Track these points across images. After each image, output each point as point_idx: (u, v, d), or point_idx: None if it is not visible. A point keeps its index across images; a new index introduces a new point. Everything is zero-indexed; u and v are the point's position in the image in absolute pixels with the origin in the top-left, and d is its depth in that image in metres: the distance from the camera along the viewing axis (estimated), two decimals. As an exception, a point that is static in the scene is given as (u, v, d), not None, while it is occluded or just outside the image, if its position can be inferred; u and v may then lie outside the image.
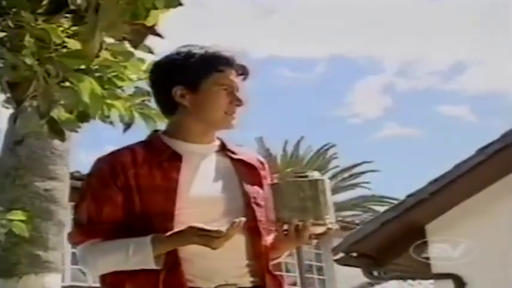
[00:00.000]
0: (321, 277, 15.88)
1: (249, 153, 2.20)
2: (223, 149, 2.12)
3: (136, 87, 3.16)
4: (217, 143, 2.13)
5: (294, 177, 1.96)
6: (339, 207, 21.57)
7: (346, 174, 22.27)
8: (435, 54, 31.92)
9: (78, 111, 2.99)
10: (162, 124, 3.16)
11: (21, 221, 3.96)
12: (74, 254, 12.78)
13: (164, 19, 2.23)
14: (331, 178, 22.12)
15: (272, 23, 30.11)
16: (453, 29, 31.14)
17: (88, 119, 3.12)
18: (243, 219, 1.83)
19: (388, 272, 8.76)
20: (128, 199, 1.94)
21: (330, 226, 1.92)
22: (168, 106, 2.10)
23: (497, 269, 7.51)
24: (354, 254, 8.31)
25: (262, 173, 2.15)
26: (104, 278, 1.97)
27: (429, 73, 33.46)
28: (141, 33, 2.16)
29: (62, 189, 5.20)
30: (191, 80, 2.03)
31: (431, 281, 8.78)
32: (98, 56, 2.38)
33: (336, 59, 35.06)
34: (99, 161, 2.05)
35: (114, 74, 3.03)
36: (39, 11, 2.55)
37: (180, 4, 2.35)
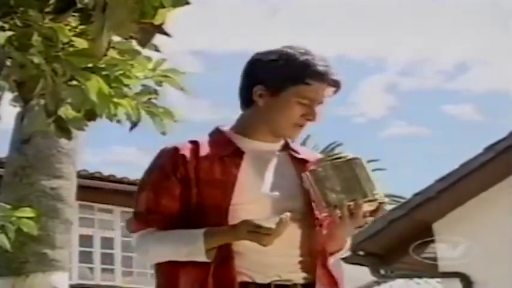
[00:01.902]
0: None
1: (311, 153, 2.21)
2: (286, 147, 2.13)
3: (143, 85, 3.15)
4: (281, 142, 2.14)
5: (329, 160, 1.95)
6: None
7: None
8: (440, 53, 31.86)
9: (85, 109, 2.99)
10: (169, 122, 3.18)
11: (30, 218, 3.97)
12: (81, 252, 12.82)
13: (172, 18, 2.23)
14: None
15: (276, 22, 30.10)
16: (458, 28, 31.04)
17: (95, 117, 3.12)
18: (288, 214, 1.84)
19: (395, 271, 8.76)
20: (186, 191, 1.98)
21: (380, 201, 1.92)
22: (246, 100, 2.10)
23: (504, 267, 7.49)
24: (361, 253, 8.30)
25: None
26: (158, 266, 2.03)
27: (434, 72, 33.40)
28: (149, 32, 2.15)
29: (68, 188, 5.23)
30: (275, 84, 2.02)
31: (439, 279, 8.77)
32: (105, 55, 2.36)
33: (340, 58, 35.06)
34: (162, 152, 2.08)
35: (121, 72, 3.03)
36: (47, 9, 2.55)
37: (188, 3, 2.35)
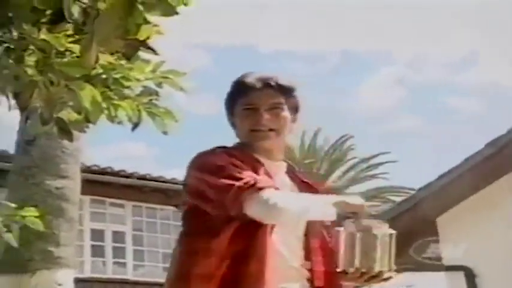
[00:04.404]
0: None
1: (311, 179, 2.39)
2: (289, 171, 2.29)
3: (144, 87, 3.24)
4: (284, 163, 2.29)
5: (365, 226, 2.04)
6: (357, 198, 21.58)
7: (363, 165, 22.24)
8: (448, 46, 31.74)
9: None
10: (170, 122, 3.27)
11: (35, 217, 4.07)
12: (93, 246, 12.98)
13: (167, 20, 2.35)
14: (348, 169, 22.21)
15: (283, 16, 30.07)
16: (464, 21, 30.92)
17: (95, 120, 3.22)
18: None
19: (399, 265, 8.80)
20: None
21: (387, 277, 2.07)
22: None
23: (507, 261, 7.55)
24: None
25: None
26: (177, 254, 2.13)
27: (442, 65, 33.30)
28: (133, 47, 2.27)
29: (73, 187, 5.35)
30: (229, 107, 2.26)
31: (443, 273, 8.82)
32: (94, 68, 2.47)
33: (349, 51, 34.99)
34: (214, 156, 2.14)
35: (120, 75, 3.12)
36: (43, 20, 2.67)
37: (176, 13, 2.47)
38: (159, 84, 3.27)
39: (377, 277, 2.03)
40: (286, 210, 2.00)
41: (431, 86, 32.01)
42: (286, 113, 2.20)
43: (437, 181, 7.99)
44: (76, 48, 2.69)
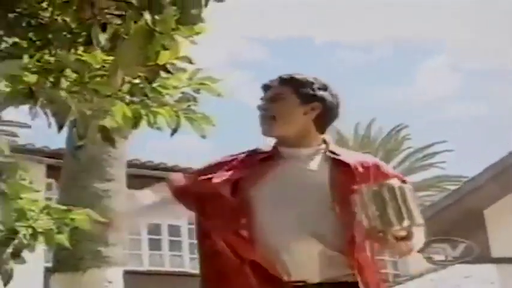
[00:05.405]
0: (392, 258, 15.97)
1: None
2: (328, 156, 2.37)
3: (182, 93, 3.41)
4: (318, 149, 2.37)
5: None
6: (414, 187, 21.38)
7: (419, 155, 22.12)
8: (503, 33, 31.09)
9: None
10: (208, 127, 3.45)
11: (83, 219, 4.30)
12: (150, 240, 13.34)
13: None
14: (403, 159, 22.11)
15: (336, 7, 29.97)
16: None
17: (137, 127, 3.42)
18: None
19: (448, 257, 8.85)
20: None
21: (407, 228, 1.96)
22: None
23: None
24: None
25: None
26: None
27: (496, 51, 32.65)
28: (154, 71, 2.46)
29: (118, 190, 5.61)
30: None
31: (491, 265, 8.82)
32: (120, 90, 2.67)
33: (402, 40, 34.62)
34: None
35: (157, 84, 3.32)
36: (79, 40, 2.89)
37: (199, 33, 2.67)
38: (197, 91, 3.45)
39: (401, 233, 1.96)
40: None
41: (487, 73, 31.45)
42: (288, 102, 2.31)
43: (484, 173, 7.99)
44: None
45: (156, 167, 12.67)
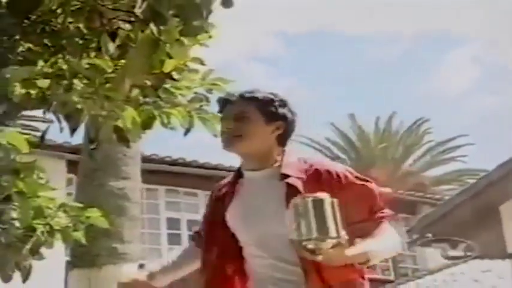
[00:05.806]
0: (412, 253, 15.99)
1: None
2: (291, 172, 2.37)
3: (195, 93, 3.48)
4: (274, 170, 2.37)
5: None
6: (435, 181, 21.44)
7: (440, 149, 22.06)
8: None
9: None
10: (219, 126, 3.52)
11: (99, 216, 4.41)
12: (169, 234, 13.47)
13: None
14: (424, 153, 22.04)
15: (359, 0, 29.91)
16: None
17: (150, 127, 3.51)
18: None
19: (465, 253, 8.87)
20: None
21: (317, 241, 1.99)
22: None
23: None
24: (429, 236, 8.46)
25: None
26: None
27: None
28: (159, 79, 2.56)
29: (133, 188, 5.75)
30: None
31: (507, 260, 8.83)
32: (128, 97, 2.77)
33: (422, 34, 34.43)
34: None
35: (169, 85, 3.40)
36: (91, 46, 3.00)
37: (210, 37, 2.77)
38: (209, 91, 3.53)
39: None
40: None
41: (509, 66, 31.19)
42: (253, 121, 2.29)
43: (499, 168, 8.00)
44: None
45: (174, 163, 12.78)
